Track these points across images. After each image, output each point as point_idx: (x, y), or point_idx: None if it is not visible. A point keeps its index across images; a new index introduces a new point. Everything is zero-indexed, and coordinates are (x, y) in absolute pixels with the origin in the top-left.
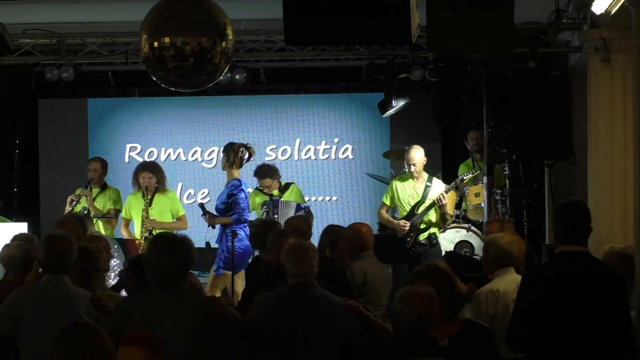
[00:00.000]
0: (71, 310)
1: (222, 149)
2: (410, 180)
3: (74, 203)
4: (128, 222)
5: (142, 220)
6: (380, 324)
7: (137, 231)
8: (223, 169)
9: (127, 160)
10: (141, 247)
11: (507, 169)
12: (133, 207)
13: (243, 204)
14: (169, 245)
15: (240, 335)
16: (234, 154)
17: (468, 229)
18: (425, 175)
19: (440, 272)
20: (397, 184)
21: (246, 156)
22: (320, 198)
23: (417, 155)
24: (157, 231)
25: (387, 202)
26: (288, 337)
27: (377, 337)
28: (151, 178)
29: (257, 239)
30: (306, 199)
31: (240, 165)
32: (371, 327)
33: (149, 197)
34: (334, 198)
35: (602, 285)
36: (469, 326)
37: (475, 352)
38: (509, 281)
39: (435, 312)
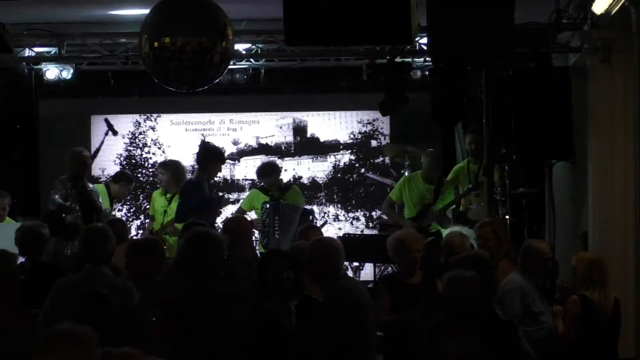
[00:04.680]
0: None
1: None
2: (421, 180)
3: None
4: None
5: (162, 223)
6: None
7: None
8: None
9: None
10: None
11: (507, 169)
12: (156, 204)
13: None
14: (200, 238)
15: None
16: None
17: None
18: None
19: (479, 256)
20: (407, 182)
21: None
22: (320, 199)
23: None
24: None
25: (394, 198)
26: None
27: None
28: (163, 174)
29: None
30: (306, 200)
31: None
32: None
33: (169, 196)
34: (334, 198)
35: None
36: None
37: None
38: None
39: (479, 294)
